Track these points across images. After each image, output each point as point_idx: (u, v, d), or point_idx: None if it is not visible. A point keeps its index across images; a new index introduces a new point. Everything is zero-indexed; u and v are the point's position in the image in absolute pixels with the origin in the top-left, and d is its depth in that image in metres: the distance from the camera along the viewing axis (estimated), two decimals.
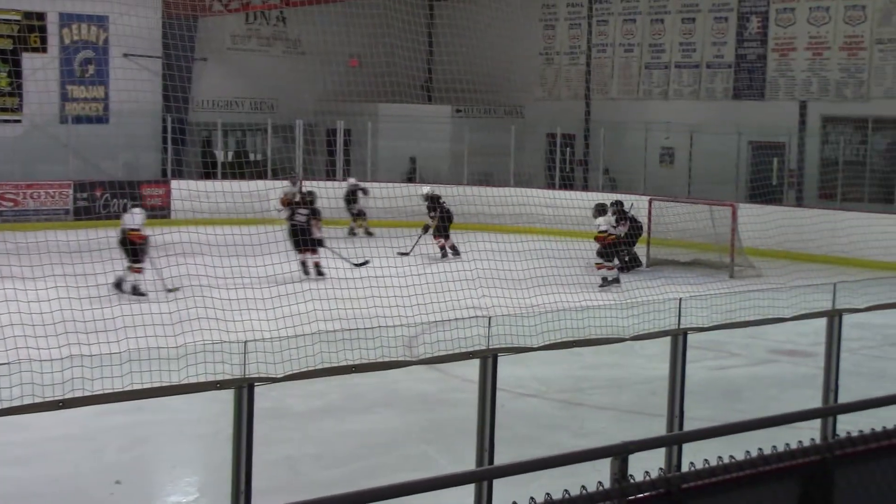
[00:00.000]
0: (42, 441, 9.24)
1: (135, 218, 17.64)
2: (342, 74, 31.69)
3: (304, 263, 19.53)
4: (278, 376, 6.91)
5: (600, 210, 20.58)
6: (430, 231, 22.99)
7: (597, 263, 19.90)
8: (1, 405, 6.51)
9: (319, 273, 19.39)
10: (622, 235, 21.00)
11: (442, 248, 22.62)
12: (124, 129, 29.66)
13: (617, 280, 19.56)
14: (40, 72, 28.47)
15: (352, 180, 26.94)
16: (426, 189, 24.13)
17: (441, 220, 22.70)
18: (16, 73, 28.32)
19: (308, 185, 24.96)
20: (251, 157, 32.12)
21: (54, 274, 12.82)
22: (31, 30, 28.47)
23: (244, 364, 6.68)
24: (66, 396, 6.65)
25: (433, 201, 23.43)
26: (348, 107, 30.85)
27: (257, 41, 33.09)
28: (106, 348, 9.32)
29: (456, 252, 22.19)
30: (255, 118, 32.09)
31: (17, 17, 28.28)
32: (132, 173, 29.37)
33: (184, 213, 23.72)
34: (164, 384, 7.34)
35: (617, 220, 21.37)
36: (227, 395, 6.62)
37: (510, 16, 31.10)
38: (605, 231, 20.12)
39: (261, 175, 29.26)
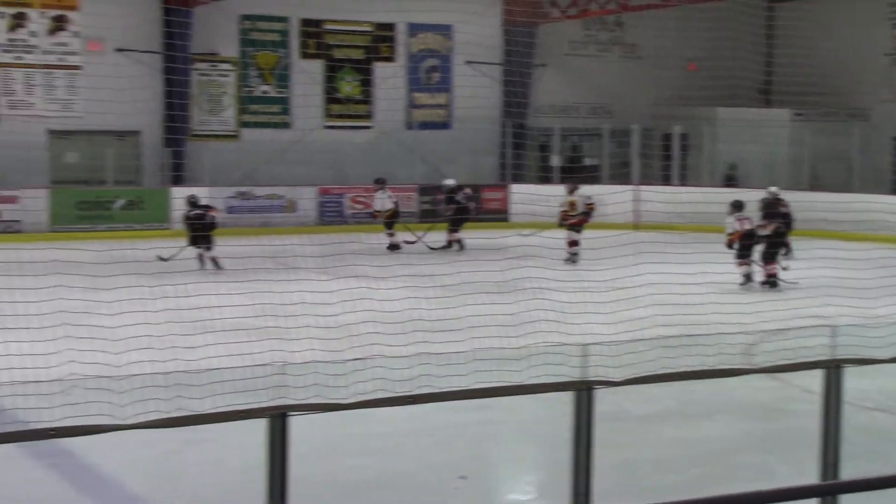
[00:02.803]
0: (393, 434, 9.68)
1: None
2: (679, 78, 31.46)
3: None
4: (618, 380, 7.00)
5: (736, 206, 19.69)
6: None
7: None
8: (356, 398, 6.92)
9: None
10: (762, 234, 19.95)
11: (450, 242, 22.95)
12: (466, 135, 30.54)
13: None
14: (389, 80, 29.81)
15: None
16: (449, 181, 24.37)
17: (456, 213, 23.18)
18: (366, 82, 29.80)
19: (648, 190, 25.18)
20: (586, 161, 32.36)
21: (403, 274, 13.44)
22: (382, 40, 29.89)
23: (584, 367, 6.81)
24: (415, 392, 6.98)
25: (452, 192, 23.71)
26: (685, 111, 30.59)
27: (595, 47, 33.29)
28: (452, 347, 9.71)
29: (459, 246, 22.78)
30: (591, 123, 32.31)
31: (369, 28, 29.74)
32: (473, 177, 30.24)
33: (522, 217, 24.23)
34: (506, 384, 7.58)
35: (764, 218, 20.21)
36: (567, 398, 6.77)
37: (854, 16, 30.03)
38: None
39: (596, 180, 29.48)
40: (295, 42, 29.25)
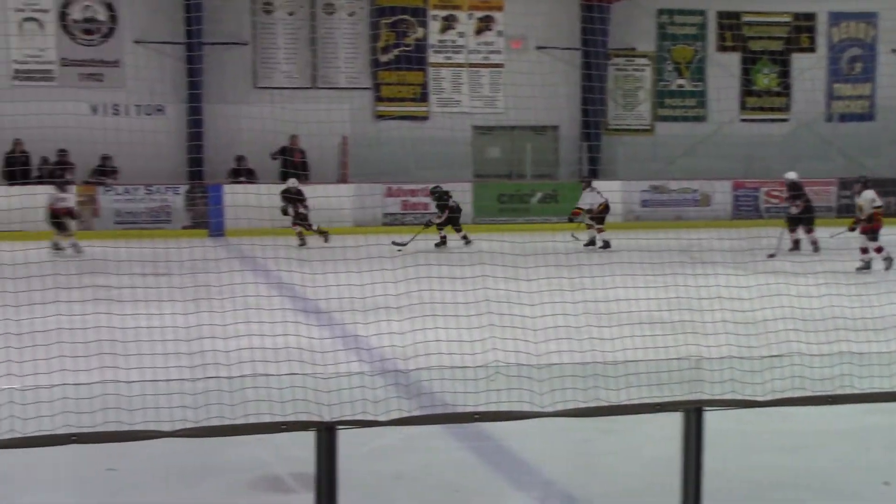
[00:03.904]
0: (809, 433, 9.50)
1: None
2: None
3: None
4: None
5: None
6: None
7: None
8: (772, 395, 6.87)
9: None
10: None
11: None
12: (889, 126, 29.39)
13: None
14: (808, 71, 29.06)
15: None
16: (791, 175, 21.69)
17: None
18: (784, 74, 29.21)
19: None
20: None
21: (821, 271, 13.07)
22: (802, 30, 29.20)
23: None
24: (836, 392, 6.83)
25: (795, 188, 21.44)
26: None
27: None
28: (875, 347, 9.41)
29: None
30: None
31: (788, 19, 29.13)
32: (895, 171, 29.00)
33: None
34: None
35: None
36: None
37: None
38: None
39: None
40: (712, 35, 29.11)
